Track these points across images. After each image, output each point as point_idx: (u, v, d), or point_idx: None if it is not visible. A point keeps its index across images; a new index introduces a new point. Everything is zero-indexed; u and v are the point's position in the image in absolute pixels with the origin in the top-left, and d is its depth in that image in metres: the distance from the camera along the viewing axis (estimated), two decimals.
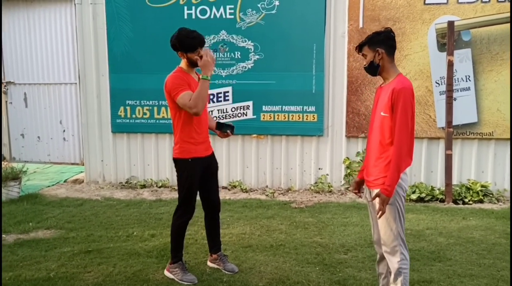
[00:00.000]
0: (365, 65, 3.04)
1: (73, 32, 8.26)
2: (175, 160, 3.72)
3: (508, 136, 6.24)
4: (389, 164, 2.90)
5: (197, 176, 3.70)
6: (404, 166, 2.89)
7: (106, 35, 6.94)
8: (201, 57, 3.56)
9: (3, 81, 8.70)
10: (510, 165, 6.31)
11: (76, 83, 8.38)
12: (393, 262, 2.95)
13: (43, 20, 8.51)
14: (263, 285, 3.58)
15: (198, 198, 3.78)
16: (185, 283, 3.65)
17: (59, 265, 4.00)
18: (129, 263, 4.02)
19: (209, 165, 3.83)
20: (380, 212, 2.87)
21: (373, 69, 3.00)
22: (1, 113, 8.35)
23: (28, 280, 3.68)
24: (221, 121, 4.06)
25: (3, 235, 4.79)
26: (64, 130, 8.63)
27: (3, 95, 8.73)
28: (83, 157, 7.63)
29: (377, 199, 2.91)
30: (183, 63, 3.68)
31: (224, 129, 3.88)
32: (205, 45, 3.73)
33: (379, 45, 2.95)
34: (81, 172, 7.93)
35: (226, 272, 3.86)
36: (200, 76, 3.57)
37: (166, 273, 3.79)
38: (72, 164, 8.64)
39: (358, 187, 3.33)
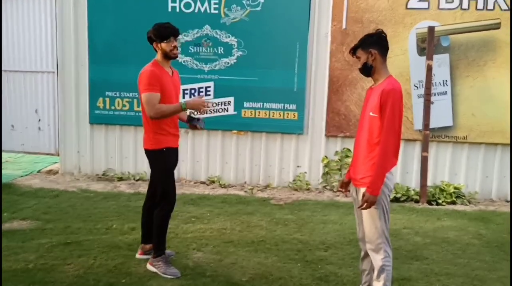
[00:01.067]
0: (359, 67, 3.09)
1: (52, 20, 8.09)
2: (148, 151, 3.77)
3: (482, 140, 6.46)
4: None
5: (172, 165, 3.79)
6: (389, 166, 2.97)
7: (87, 25, 6.82)
8: (175, 47, 3.69)
9: None
10: (510, 170, 6.51)
11: (53, 72, 8.21)
12: (377, 259, 3.02)
13: (21, 6, 8.29)
14: (246, 280, 3.61)
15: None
16: (168, 276, 3.64)
17: (37, 256, 3.93)
18: (110, 256, 3.98)
19: (177, 157, 3.91)
20: (364, 208, 2.95)
21: (366, 70, 3.07)
22: (1, 102, 8.07)
23: (6, 271, 3.60)
24: (194, 116, 4.06)
25: None
26: (39, 120, 8.45)
27: None
28: (59, 147, 7.49)
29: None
30: (158, 56, 3.73)
31: (193, 122, 3.89)
32: (181, 38, 3.71)
33: (372, 46, 3.02)
34: (55, 162, 7.78)
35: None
36: (181, 103, 3.63)
37: (149, 266, 3.77)
38: (47, 154, 8.47)
39: (346, 186, 3.38)
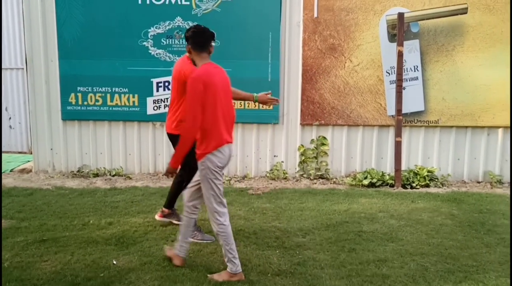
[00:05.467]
0: None
1: (19, 15, 7.91)
2: (174, 135, 4.18)
3: (452, 124, 6.61)
4: None
5: None
6: (189, 145, 3.36)
7: (55, 19, 6.69)
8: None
9: None
10: (510, 155, 6.67)
11: (23, 69, 8.05)
12: (214, 227, 3.46)
13: None
14: (225, 268, 3.62)
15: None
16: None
17: (12, 254, 3.87)
18: (87, 251, 3.95)
19: None
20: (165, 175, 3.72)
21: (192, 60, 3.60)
22: (1, 102, 7.85)
23: None
24: None
25: None
26: (10, 118, 8.28)
27: None
28: (31, 145, 7.35)
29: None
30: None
31: None
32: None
33: (187, 41, 3.55)
34: (28, 161, 7.65)
35: (179, 223, 4.35)
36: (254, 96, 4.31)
37: (158, 218, 4.59)
38: (19, 152, 8.31)
39: None
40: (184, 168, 4.24)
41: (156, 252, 3.97)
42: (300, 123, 6.78)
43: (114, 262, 3.71)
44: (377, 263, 3.75)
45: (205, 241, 4.21)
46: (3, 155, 8.24)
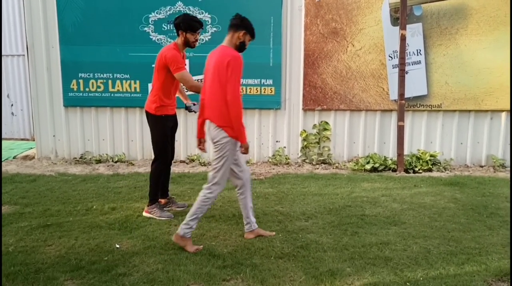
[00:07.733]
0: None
1: (20, 2, 7.86)
2: (149, 114, 4.39)
3: (455, 108, 6.58)
4: None
5: (168, 130, 4.45)
6: None
7: (56, 5, 6.65)
8: (196, 39, 4.31)
9: None
10: (510, 139, 6.65)
11: (24, 55, 8.01)
12: None
13: None
14: (229, 252, 3.64)
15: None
16: (164, 218, 4.33)
17: (17, 239, 3.89)
18: (91, 236, 3.96)
19: (174, 123, 4.57)
20: None
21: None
22: (1, 88, 7.85)
23: None
24: (188, 103, 4.69)
25: None
26: (12, 105, 8.27)
27: None
28: (34, 132, 7.36)
29: None
30: (179, 41, 4.28)
31: (190, 108, 4.65)
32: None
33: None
34: (31, 148, 7.67)
35: (179, 209, 4.65)
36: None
37: (145, 214, 4.43)
38: (22, 139, 8.32)
39: None
40: (159, 157, 4.44)
41: (159, 236, 3.98)
42: (302, 109, 6.76)
43: (117, 246, 3.73)
44: (379, 245, 3.75)
45: (163, 218, 4.38)
46: (6, 142, 8.26)
